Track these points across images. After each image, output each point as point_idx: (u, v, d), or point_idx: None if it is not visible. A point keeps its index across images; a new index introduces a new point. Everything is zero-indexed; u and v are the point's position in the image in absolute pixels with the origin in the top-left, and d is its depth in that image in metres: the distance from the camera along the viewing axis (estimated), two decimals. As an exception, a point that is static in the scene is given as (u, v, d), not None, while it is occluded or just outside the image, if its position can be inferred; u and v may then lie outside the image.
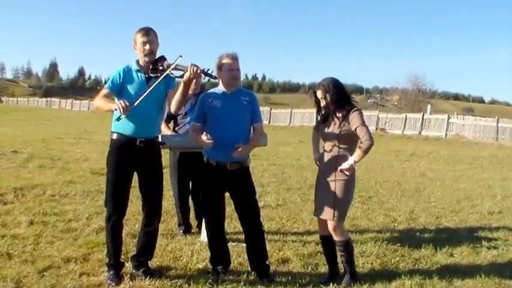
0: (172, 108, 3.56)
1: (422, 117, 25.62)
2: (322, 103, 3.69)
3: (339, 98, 3.64)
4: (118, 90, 3.52)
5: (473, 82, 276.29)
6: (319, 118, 3.83)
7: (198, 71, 3.34)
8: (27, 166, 8.59)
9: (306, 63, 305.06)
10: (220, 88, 3.72)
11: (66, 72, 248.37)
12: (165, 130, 4.84)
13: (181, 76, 3.44)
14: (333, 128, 3.64)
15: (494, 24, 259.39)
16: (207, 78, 3.52)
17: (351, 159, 3.54)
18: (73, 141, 13.82)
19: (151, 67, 3.51)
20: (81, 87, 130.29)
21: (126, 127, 3.50)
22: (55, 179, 7.49)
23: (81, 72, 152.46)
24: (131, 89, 3.52)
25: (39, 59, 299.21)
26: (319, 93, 3.69)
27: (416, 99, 42.73)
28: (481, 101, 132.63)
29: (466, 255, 4.53)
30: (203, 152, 3.77)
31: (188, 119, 4.74)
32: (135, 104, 3.32)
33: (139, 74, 3.55)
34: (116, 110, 3.24)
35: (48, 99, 63.18)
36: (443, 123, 24.24)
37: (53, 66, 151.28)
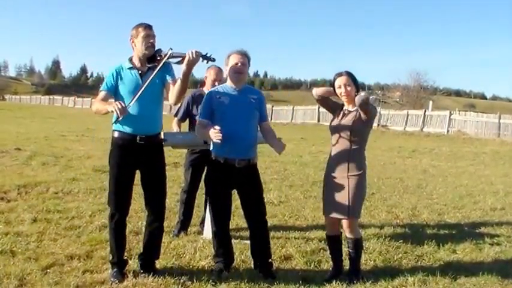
0: (172, 99, 3.51)
1: (424, 113, 25.53)
2: (342, 90, 3.60)
3: (357, 89, 3.64)
4: (114, 90, 3.52)
5: (475, 78, 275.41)
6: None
7: (196, 54, 3.33)
8: (30, 163, 8.64)
9: (308, 61, 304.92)
10: (229, 85, 3.71)
11: (69, 70, 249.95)
12: (174, 127, 4.82)
13: (179, 62, 3.43)
14: (345, 120, 3.60)
15: (494, 20, 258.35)
16: (205, 61, 3.51)
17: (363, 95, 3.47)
18: (76, 138, 13.86)
19: (148, 60, 3.50)
20: (83, 85, 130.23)
21: (125, 125, 3.48)
22: (58, 176, 7.52)
23: (83, 70, 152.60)
24: (126, 87, 3.50)
25: (41, 57, 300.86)
26: (342, 80, 3.60)
27: (417, 96, 42.52)
28: (482, 97, 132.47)
29: (469, 252, 4.52)
30: (211, 149, 3.75)
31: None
32: (131, 103, 3.32)
33: (132, 71, 3.53)
34: (113, 112, 3.22)
35: (51, 96, 63.35)
36: (445, 120, 24.15)
37: (56, 64, 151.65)
